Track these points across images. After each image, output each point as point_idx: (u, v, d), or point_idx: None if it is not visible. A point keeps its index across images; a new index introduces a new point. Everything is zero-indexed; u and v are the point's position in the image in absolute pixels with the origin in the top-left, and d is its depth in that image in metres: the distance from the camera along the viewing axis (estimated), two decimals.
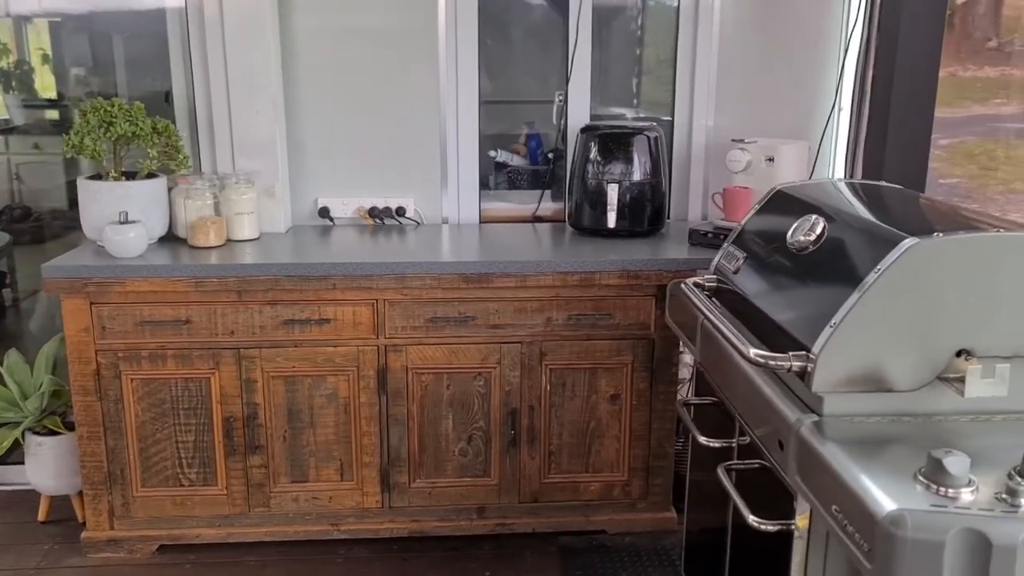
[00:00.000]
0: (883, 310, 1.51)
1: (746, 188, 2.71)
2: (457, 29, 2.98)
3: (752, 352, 1.62)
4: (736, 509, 1.95)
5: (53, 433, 2.79)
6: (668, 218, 2.99)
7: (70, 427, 2.80)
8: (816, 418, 1.54)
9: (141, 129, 2.58)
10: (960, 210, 1.85)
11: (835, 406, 1.54)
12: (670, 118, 3.15)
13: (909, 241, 1.51)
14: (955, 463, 1.28)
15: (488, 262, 2.51)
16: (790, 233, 1.86)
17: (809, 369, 1.54)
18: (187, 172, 2.76)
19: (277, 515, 2.69)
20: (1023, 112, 3.22)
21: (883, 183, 2.19)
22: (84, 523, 2.74)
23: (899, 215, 1.78)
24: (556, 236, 2.92)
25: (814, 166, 3.01)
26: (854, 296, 1.52)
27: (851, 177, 3.06)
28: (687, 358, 2.78)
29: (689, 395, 2.27)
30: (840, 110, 3.08)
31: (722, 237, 2.66)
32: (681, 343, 2.70)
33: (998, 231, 1.51)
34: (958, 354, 1.52)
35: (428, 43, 2.95)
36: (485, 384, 2.63)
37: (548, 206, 3.19)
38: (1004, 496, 1.27)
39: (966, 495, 1.27)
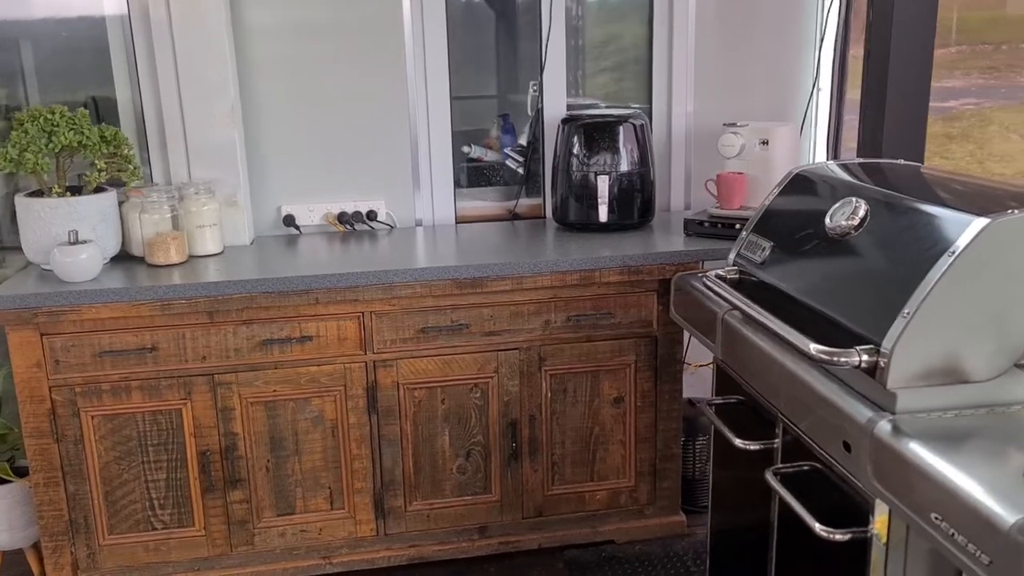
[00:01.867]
0: (959, 296, 1.40)
1: (740, 173, 2.60)
2: (424, 21, 2.79)
3: (814, 348, 1.50)
4: (783, 510, 1.84)
5: (2, 481, 2.51)
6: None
7: (20, 473, 2.52)
8: (891, 417, 1.42)
9: (88, 138, 2.32)
10: (995, 180, 1.77)
11: (908, 402, 1.43)
12: (634, 107, 3.03)
13: (983, 220, 1.40)
14: None
15: (482, 265, 2.34)
16: (829, 217, 1.75)
17: (882, 364, 1.42)
18: (139, 184, 2.51)
19: (263, 553, 2.47)
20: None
21: (899, 160, 2.10)
22: None
23: (948, 193, 1.68)
24: (542, 233, 2.76)
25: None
26: (927, 282, 1.41)
27: (835, 156, 3.00)
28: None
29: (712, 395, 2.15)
30: (819, 90, 3.01)
31: (720, 225, 2.56)
32: (687, 340, 2.59)
33: None
34: None
35: (393, 37, 2.76)
36: (482, 396, 2.46)
37: (524, 202, 3.03)
38: None
39: None
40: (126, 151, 2.45)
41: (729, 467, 2.14)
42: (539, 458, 2.53)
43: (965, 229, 1.41)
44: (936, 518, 1.26)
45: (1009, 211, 1.40)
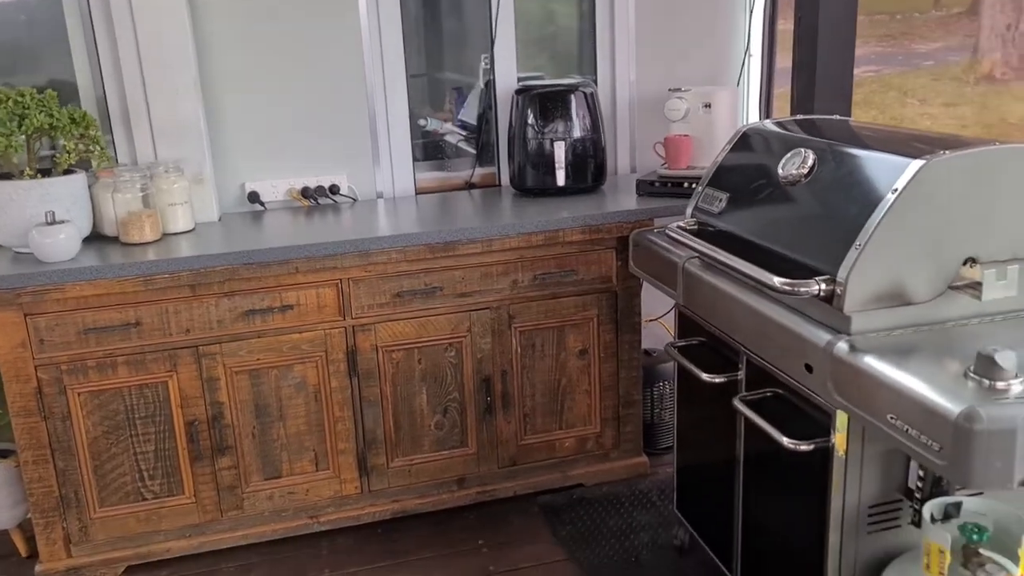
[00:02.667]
0: (901, 228, 1.60)
1: (686, 136, 2.79)
2: None
3: (777, 281, 1.69)
4: (748, 438, 2.04)
5: None
6: None
7: (2, 454, 2.55)
8: (847, 337, 1.62)
9: (58, 120, 2.35)
10: (921, 131, 1.98)
11: (861, 324, 1.63)
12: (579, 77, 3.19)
13: (919, 162, 1.60)
14: (1005, 358, 1.38)
15: (453, 230, 2.47)
16: (780, 168, 1.94)
17: (838, 291, 1.62)
18: (108, 165, 2.55)
19: (252, 516, 2.57)
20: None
21: (833, 116, 2.31)
22: (30, 556, 2.52)
23: (884, 141, 1.88)
24: (500, 200, 2.90)
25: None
26: (875, 217, 1.60)
27: (768, 117, 3.21)
28: None
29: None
30: (751, 56, 3.22)
31: (669, 185, 2.74)
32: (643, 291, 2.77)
33: (994, 145, 1.64)
34: (965, 262, 1.65)
35: (349, 14, 2.84)
36: (457, 354, 2.60)
37: (479, 171, 3.16)
38: None
39: (1017, 386, 1.38)
40: (94, 132, 2.48)
41: (692, 408, 2.33)
42: (511, 411, 2.69)
43: (904, 170, 1.61)
44: (892, 418, 1.46)
45: (941, 153, 1.61)
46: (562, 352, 2.69)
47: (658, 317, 3.14)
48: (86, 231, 2.50)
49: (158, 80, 2.63)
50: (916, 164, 1.60)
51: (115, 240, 2.51)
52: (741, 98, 3.26)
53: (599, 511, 2.71)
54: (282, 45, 2.81)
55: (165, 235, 2.56)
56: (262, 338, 2.44)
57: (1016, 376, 1.39)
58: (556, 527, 2.64)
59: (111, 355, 2.35)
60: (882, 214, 1.60)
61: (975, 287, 1.64)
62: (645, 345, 2.95)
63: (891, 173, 1.64)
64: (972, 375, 1.41)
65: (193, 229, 2.63)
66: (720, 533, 2.21)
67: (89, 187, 2.53)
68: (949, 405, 1.35)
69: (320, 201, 2.93)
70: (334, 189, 2.93)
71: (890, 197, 1.60)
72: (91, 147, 2.48)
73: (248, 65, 2.80)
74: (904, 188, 1.59)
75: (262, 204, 2.89)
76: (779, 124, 2.23)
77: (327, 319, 2.47)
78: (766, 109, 3.21)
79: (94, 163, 2.52)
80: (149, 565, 2.53)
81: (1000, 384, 1.38)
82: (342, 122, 2.92)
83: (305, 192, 2.91)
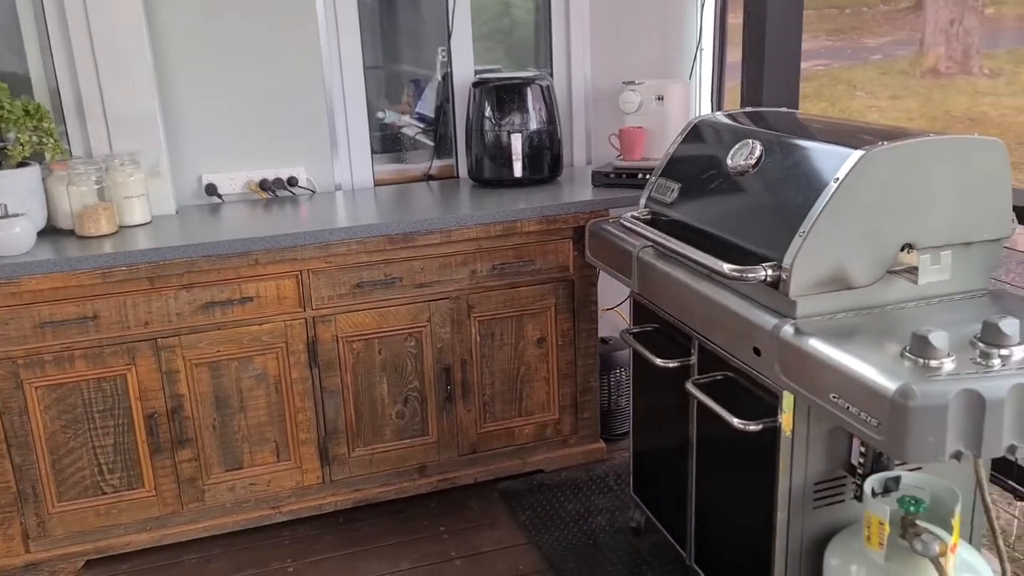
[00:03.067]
0: (843, 216, 1.68)
1: (640, 128, 2.85)
2: None
3: (727, 268, 1.75)
4: (701, 422, 2.11)
5: None
6: None
7: None
8: (793, 321, 1.69)
9: (11, 112, 2.33)
10: (863, 123, 2.06)
11: (806, 308, 1.70)
12: (535, 70, 3.23)
13: (859, 152, 1.68)
14: (938, 338, 1.46)
15: (412, 221, 2.50)
16: (729, 158, 2.00)
17: (784, 277, 1.69)
18: (62, 157, 2.53)
19: (213, 508, 2.58)
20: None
21: (780, 108, 2.39)
22: None
23: (827, 133, 1.95)
24: (458, 192, 2.94)
25: None
26: (818, 206, 1.67)
27: (719, 108, 3.29)
28: None
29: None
30: (702, 50, 3.29)
31: (624, 176, 2.80)
32: (599, 280, 2.82)
33: (929, 136, 1.71)
34: (902, 248, 1.72)
35: (306, 6, 2.84)
36: (416, 344, 2.63)
37: (437, 163, 3.19)
38: (979, 360, 1.47)
39: (949, 364, 1.46)
40: (48, 125, 2.47)
41: (647, 393, 2.39)
42: (471, 399, 2.73)
43: (845, 160, 1.68)
44: (834, 397, 1.53)
45: (880, 143, 1.68)
46: (520, 341, 2.74)
47: (615, 306, 3.20)
48: (41, 224, 2.48)
49: (112, 72, 2.61)
50: (856, 154, 1.68)
51: (71, 233, 2.50)
52: (694, 91, 3.33)
53: (558, 496, 2.76)
54: (239, 37, 2.81)
55: (121, 228, 2.55)
56: (222, 330, 2.45)
57: (948, 355, 1.47)
58: (516, 512, 2.69)
59: (68, 349, 2.35)
60: (824, 202, 1.67)
61: (912, 272, 1.73)
62: (602, 333, 3.01)
63: (833, 163, 1.71)
64: (908, 355, 1.49)
65: (150, 222, 2.63)
66: (675, 514, 2.27)
67: (43, 180, 2.51)
68: (886, 383, 1.42)
69: (278, 193, 2.94)
70: (292, 181, 2.94)
71: (832, 186, 1.67)
72: (45, 139, 2.46)
73: (204, 57, 2.79)
74: (845, 177, 1.66)
75: (220, 197, 2.89)
76: (729, 116, 2.30)
77: (287, 310, 2.49)
78: (718, 102, 3.29)
79: (48, 156, 2.51)
80: (109, 559, 2.52)
81: (934, 363, 1.46)
82: (299, 114, 2.93)
83: (263, 184, 2.91)
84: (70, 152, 2.70)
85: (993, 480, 2.23)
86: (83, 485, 2.46)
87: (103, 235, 2.47)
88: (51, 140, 2.48)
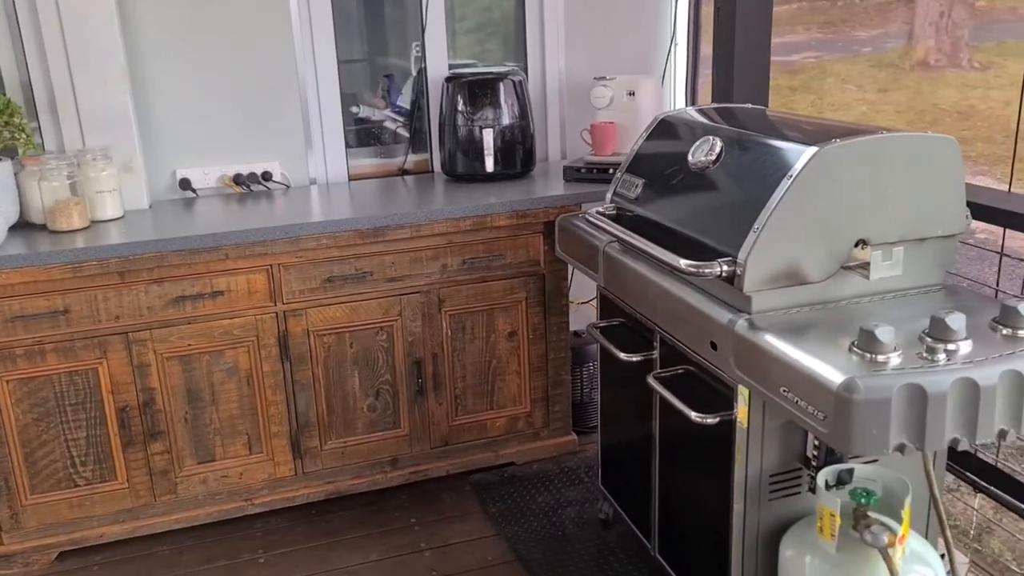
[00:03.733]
0: (796, 212, 1.70)
1: (611, 123, 2.86)
2: None
3: (683, 263, 1.77)
4: (663, 415, 2.13)
5: None
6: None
7: None
8: (747, 316, 1.71)
9: None
10: (826, 120, 2.08)
11: (761, 303, 1.73)
12: (510, 65, 3.24)
13: (813, 149, 1.70)
14: (884, 332, 1.49)
15: (382, 215, 2.52)
16: (690, 155, 2.02)
17: (739, 272, 1.71)
18: (34, 152, 2.54)
19: (186, 500, 2.60)
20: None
21: (748, 105, 2.41)
22: None
23: (786, 129, 1.98)
24: (432, 186, 2.95)
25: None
26: (772, 202, 1.70)
27: (693, 103, 3.31)
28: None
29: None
30: (677, 44, 3.31)
31: (595, 171, 2.82)
32: (570, 279, 2.85)
33: (882, 134, 1.74)
34: (856, 244, 1.75)
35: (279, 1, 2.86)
36: (388, 338, 2.65)
37: (412, 158, 3.21)
38: (925, 355, 1.50)
39: (895, 359, 1.48)
40: (19, 119, 2.47)
41: (614, 386, 2.42)
42: (443, 392, 2.75)
43: (799, 157, 1.71)
44: (784, 390, 1.56)
45: (833, 141, 1.70)
46: (492, 334, 2.76)
47: (588, 300, 3.23)
48: (12, 219, 2.49)
49: (84, 67, 2.62)
50: (810, 151, 1.70)
51: (43, 228, 2.51)
52: (668, 86, 3.35)
53: (529, 488, 2.79)
54: (212, 31, 2.81)
55: (94, 223, 2.56)
56: (193, 324, 2.46)
57: (895, 350, 1.49)
58: (487, 504, 2.72)
59: (40, 343, 2.36)
60: (778, 199, 1.69)
61: (865, 267, 1.75)
62: (575, 327, 3.04)
63: (788, 160, 1.74)
64: (855, 349, 1.52)
65: (122, 216, 2.64)
66: (640, 506, 2.30)
67: (15, 175, 2.52)
68: (831, 377, 1.45)
69: (253, 188, 2.95)
70: (267, 176, 2.95)
71: (786, 183, 1.69)
72: (16, 134, 2.47)
73: (178, 51, 2.80)
74: (798, 174, 1.69)
75: (194, 191, 2.90)
76: (694, 112, 2.32)
77: (258, 304, 2.50)
78: (692, 97, 3.31)
79: (20, 150, 2.51)
80: (83, 551, 2.54)
81: (880, 357, 1.49)
82: (273, 109, 2.94)
83: (237, 179, 2.93)
84: (43, 147, 2.71)
85: (953, 472, 2.27)
86: (56, 478, 2.48)
87: (75, 230, 2.48)
88: (23, 135, 2.49)
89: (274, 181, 2.96)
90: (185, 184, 2.89)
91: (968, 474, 2.21)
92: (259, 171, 2.95)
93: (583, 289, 3.09)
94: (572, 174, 2.84)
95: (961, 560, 2.17)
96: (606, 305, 2.36)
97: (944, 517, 1.71)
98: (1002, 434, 1.47)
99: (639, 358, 2.14)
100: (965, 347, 1.51)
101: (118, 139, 2.69)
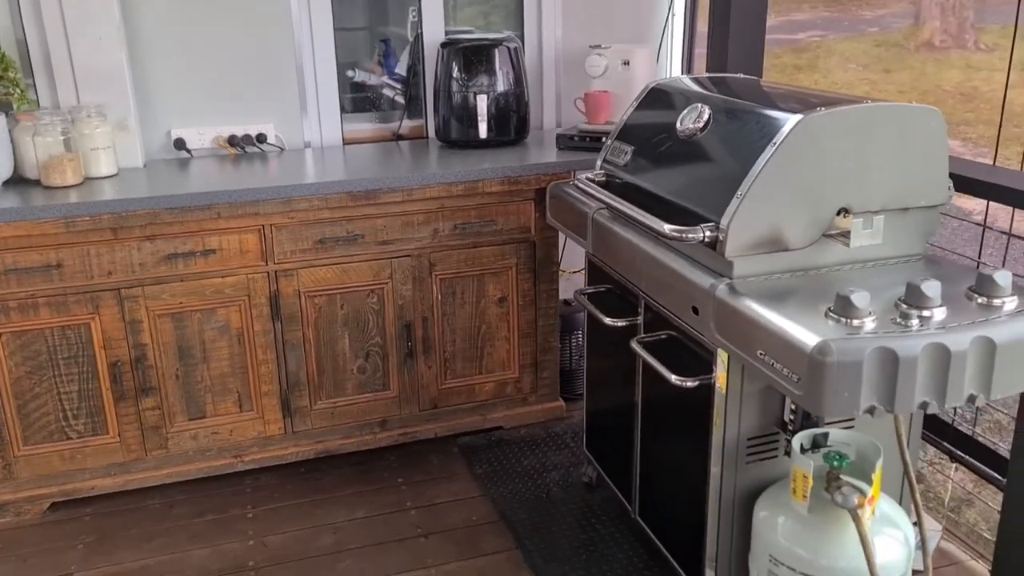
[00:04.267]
0: (779, 179, 1.72)
1: (605, 92, 2.87)
2: None
3: (667, 228, 1.79)
4: (646, 381, 2.16)
5: None
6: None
7: None
8: (728, 281, 1.74)
9: None
10: (816, 90, 2.09)
11: (743, 269, 1.75)
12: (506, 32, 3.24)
13: (797, 117, 1.71)
14: (860, 298, 1.51)
15: (374, 178, 2.53)
16: (679, 122, 2.04)
17: (721, 238, 1.73)
18: (29, 108, 2.55)
19: (177, 455, 2.64)
20: None
21: (740, 75, 2.42)
22: None
23: (774, 98, 2.00)
24: (426, 151, 2.96)
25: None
26: (755, 168, 1.72)
27: (689, 72, 3.32)
28: None
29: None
30: (674, 15, 3.30)
31: (588, 139, 2.83)
32: (562, 248, 2.87)
33: (866, 103, 1.75)
34: (839, 212, 1.77)
35: None
36: (378, 300, 2.68)
37: (407, 124, 3.22)
38: (899, 320, 1.53)
39: (869, 323, 1.51)
40: (13, 74, 2.48)
41: (600, 352, 2.45)
42: (432, 356, 2.78)
43: (784, 124, 1.72)
44: (761, 353, 1.59)
45: (818, 109, 1.72)
46: (482, 300, 2.79)
47: (579, 270, 3.25)
48: (7, 174, 2.51)
49: (79, 24, 2.62)
50: (794, 119, 1.72)
51: (36, 183, 2.53)
52: (665, 57, 3.35)
53: (515, 451, 2.83)
54: None
55: (88, 179, 2.58)
56: (185, 282, 2.49)
57: (870, 315, 1.52)
58: (473, 466, 2.76)
59: (32, 296, 2.38)
60: (762, 166, 1.71)
61: (846, 235, 1.77)
62: (566, 296, 3.06)
63: (774, 127, 1.75)
64: (831, 314, 1.54)
65: (116, 174, 2.65)
66: (622, 470, 2.34)
67: (10, 131, 2.53)
68: (806, 340, 1.48)
69: (247, 149, 2.96)
70: (261, 138, 2.97)
71: (770, 150, 1.71)
72: (11, 89, 2.48)
73: (175, 12, 2.80)
74: (782, 142, 1.70)
75: (188, 151, 2.91)
76: (685, 81, 2.33)
77: (249, 264, 2.53)
78: (688, 69, 3.31)
79: (14, 105, 2.53)
80: (74, 502, 2.59)
81: (855, 322, 1.51)
82: (269, 71, 2.94)
83: (232, 140, 2.94)
84: (37, 103, 2.72)
85: (929, 441, 2.31)
86: (48, 430, 2.51)
87: (69, 186, 2.50)
88: (17, 90, 2.50)
89: (268, 143, 2.98)
90: (180, 144, 2.90)
91: (945, 444, 2.25)
92: (254, 133, 2.96)
93: (574, 260, 3.11)
94: (565, 142, 2.85)
95: (934, 527, 2.21)
96: (594, 272, 2.39)
97: (914, 481, 1.74)
98: (971, 399, 1.50)
99: (624, 323, 2.17)
100: (939, 314, 1.54)
101: (113, 97, 2.70)
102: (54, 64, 2.66)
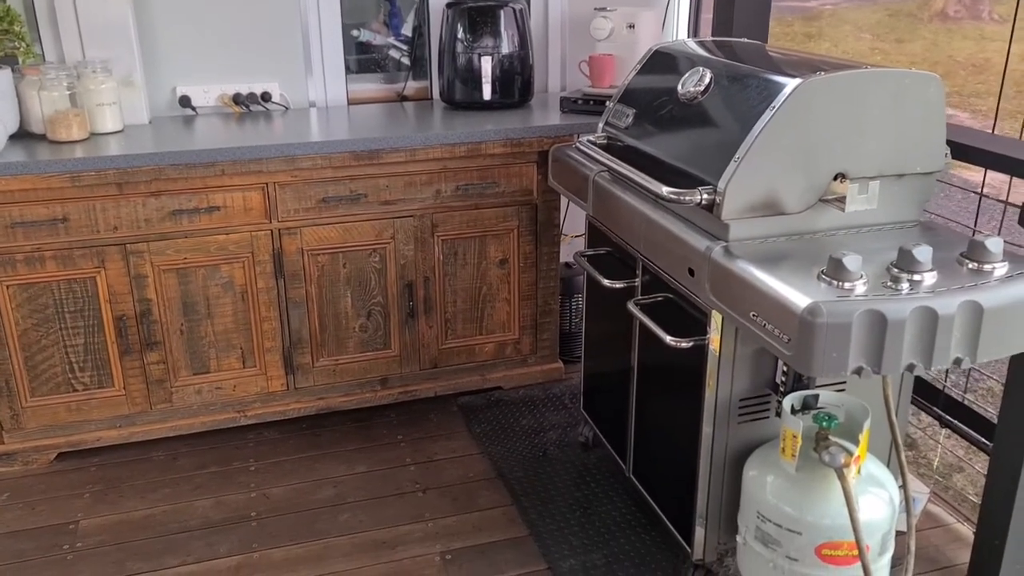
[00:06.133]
0: (777, 143, 1.73)
1: (610, 55, 2.87)
2: None
3: (665, 190, 1.81)
4: (642, 342, 2.19)
5: None
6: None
7: None
8: (724, 244, 1.76)
9: None
10: (817, 56, 2.10)
11: (739, 232, 1.77)
12: None
13: (796, 81, 1.72)
14: (851, 261, 1.54)
15: (378, 138, 2.55)
16: (680, 85, 2.04)
17: (718, 200, 1.75)
18: (34, 62, 2.56)
19: (181, 409, 2.68)
20: None
21: (744, 39, 2.41)
22: None
23: (775, 62, 2.00)
24: (430, 112, 2.97)
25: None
26: (753, 132, 1.73)
27: (695, 36, 3.30)
28: None
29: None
30: None
31: (592, 103, 2.83)
32: (564, 212, 2.89)
33: (865, 68, 1.76)
34: (835, 178, 1.78)
35: None
36: (380, 260, 2.71)
37: (412, 85, 3.22)
38: (889, 284, 1.55)
39: (860, 286, 1.54)
40: (19, 28, 2.49)
41: (598, 314, 2.47)
42: (433, 316, 2.82)
43: (782, 89, 1.73)
44: (753, 315, 1.61)
45: (817, 73, 1.73)
46: (483, 261, 2.81)
47: (581, 234, 3.26)
48: (13, 128, 2.53)
49: None
50: (793, 83, 1.72)
51: (43, 138, 2.55)
52: (672, 21, 3.33)
53: (514, 411, 2.87)
54: None
55: (93, 135, 2.60)
56: (189, 238, 2.52)
57: (861, 278, 1.54)
58: (472, 425, 2.81)
59: (39, 249, 2.42)
60: (759, 130, 1.72)
61: (842, 200, 1.79)
62: (567, 259, 3.09)
63: (773, 91, 1.76)
64: (823, 277, 1.57)
65: (122, 130, 2.67)
66: (618, 430, 2.38)
67: (15, 85, 2.55)
68: (797, 301, 1.50)
69: (252, 108, 2.97)
70: (266, 96, 2.97)
71: (768, 114, 1.72)
72: (16, 43, 2.49)
73: None
74: (780, 106, 1.71)
75: (193, 109, 2.93)
76: (688, 44, 2.33)
77: (253, 221, 2.55)
78: (694, 32, 3.29)
79: (20, 59, 2.54)
80: (80, 452, 2.64)
81: (846, 285, 1.54)
82: (274, 30, 2.94)
83: (237, 98, 2.95)
84: (43, 58, 2.73)
85: (920, 407, 2.34)
86: (55, 382, 2.56)
87: (74, 140, 2.52)
88: (23, 44, 2.51)
89: (273, 102, 2.99)
90: (185, 101, 2.91)
91: (935, 409, 2.28)
92: (259, 92, 2.97)
93: (576, 224, 3.13)
94: (568, 105, 2.86)
95: (922, 490, 2.25)
96: (594, 234, 2.41)
97: (900, 443, 1.78)
98: (957, 362, 1.52)
99: (622, 285, 2.19)
100: (930, 278, 1.56)
101: (118, 53, 2.71)
102: (59, 18, 2.66)
